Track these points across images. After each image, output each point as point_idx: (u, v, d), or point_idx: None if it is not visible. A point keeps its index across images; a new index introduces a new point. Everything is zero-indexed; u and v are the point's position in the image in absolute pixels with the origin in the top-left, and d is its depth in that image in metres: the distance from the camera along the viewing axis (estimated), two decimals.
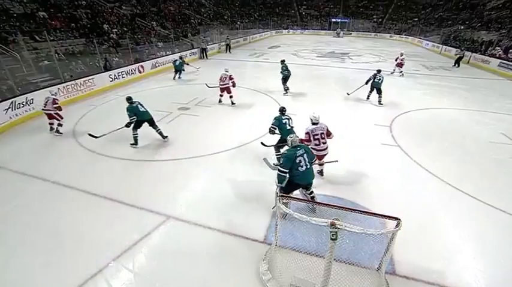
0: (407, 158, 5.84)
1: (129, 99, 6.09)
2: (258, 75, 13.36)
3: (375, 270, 3.19)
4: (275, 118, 5.23)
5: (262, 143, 5.49)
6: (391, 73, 13.79)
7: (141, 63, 12.87)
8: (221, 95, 9.11)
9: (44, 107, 6.72)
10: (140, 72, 12.70)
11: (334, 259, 2.71)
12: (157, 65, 13.89)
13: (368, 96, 9.68)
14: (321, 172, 5.13)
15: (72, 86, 9.47)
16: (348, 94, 10.18)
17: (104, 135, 6.02)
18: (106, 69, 11.33)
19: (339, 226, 2.47)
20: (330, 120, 6.16)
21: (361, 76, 13.61)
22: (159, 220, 4.04)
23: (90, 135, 5.91)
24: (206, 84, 9.96)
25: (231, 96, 8.98)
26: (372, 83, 9.32)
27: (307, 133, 4.81)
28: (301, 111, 8.15)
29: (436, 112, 8.79)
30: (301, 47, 24.55)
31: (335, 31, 35.96)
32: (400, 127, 7.39)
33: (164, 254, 3.51)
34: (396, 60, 13.71)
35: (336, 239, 2.52)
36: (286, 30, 37.68)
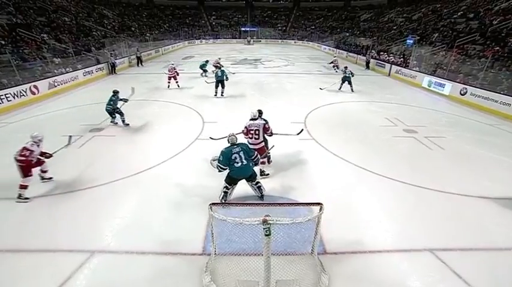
0: (321, 149, 6.66)
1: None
2: (174, 88, 12.97)
3: (309, 254, 3.52)
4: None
5: (211, 138, 5.71)
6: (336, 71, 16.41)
7: (33, 83, 10.70)
8: (169, 83, 12.57)
9: None
10: (34, 93, 10.57)
11: (272, 254, 2.89)
12: (56, 84, 11.84)
13: (340, 87, 12.49)
14: (268, 159, 5.60)
15: None
16: (321, 89, 12.51)
17: None
18: None
19: (270, 222, 2.65)
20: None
21: (274, 79, 14.93)
22: (81, 258, 3.51)
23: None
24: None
25: (176, 82, 12.59)
26: (342, 78, 12.31)
27: (244, 127, 5.28)
28: (222, 119, 8.46)
29: (338, 106, 10.32)
30: (215, 55, 24.92)
31: (246, 39, 37.98)
32: (312, 122, 8.37)
33: None
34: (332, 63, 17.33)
35: (269, 234, 2.68)
36: (199, 40, 37.80)
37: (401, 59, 17.10)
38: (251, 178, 4.55)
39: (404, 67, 15.92)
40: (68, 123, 8.22)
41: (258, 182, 4.63)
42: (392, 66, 16.68)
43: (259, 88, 13.03)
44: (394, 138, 7.45)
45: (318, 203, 3.15)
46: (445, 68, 13.58)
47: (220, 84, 11.00)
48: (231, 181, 4.50)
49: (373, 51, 20.47)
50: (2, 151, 6.43)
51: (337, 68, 16.96)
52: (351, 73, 12.26)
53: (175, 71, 12.61)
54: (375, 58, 19.13)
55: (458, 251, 3.74)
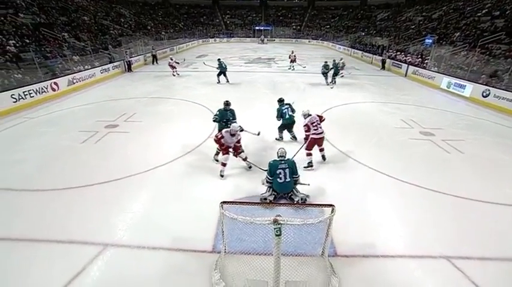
0: (335, 150, 6.55)
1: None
2: (188, 85, 13.16)
3: (319, 256, 3.47)
4: (277, 109, 6.71)
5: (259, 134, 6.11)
6: (342, 76, 15.28)
7: (54, 80, 11.15)
8: (172, 73, 15.10)
9: None
10: (54, 90, 11.01)
11: (282, 254, 2.85)
12: (75, 81, 12.26)
13: (333, 81, 13.31)
14: (323, 157, 5.94)
15: None
16: (331, 88, 12.92)
17: None
18: None
19: (281, 222, 2.63)
20: (261, 122, 6.51)
21: (287, 79, 14.83)
22: (95, 250, 3.61)
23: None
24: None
25: (175, 71, 14.99)
26: (334, 71, 13.23)
27: (305, 125, 5.69)
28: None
29: (352, 106, 10.12)
30: (229, 54, 25.12)
31: (259, 38, 37.90)
32: (326, 123, 8.20)
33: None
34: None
35: (280, 234, 2.66)
36: (213, 39, 38.07)
37: (419, 59, 16.59)
38: (287, 194, 4.67)
39: (422, 68, 15.45)
40: (85, 119, 8.48)
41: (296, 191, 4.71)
42: (409, 66, 16.21)
43: (272, 87, 12.98)
44: (410, 140, 7.24)
45: (330, 205, 3.10)
46: (466, 68, 13.05)
47: (223, 74, 13.38)
48: (274, 192, 4.64)
49: (390, 50, 19.92)
50: (24, 145, 6.74)
51: (342, 69, 15.94)
52: (343, 65, 14.05)
53: (174, 62, 15.13)
54: (392, 58, 18.63)
55: (476, 260, 3.58)
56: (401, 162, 6.08)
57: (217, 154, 5.79)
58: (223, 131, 5.24)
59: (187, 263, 3.48)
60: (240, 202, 3.53)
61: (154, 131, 7.65)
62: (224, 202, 3.07)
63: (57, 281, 3.19)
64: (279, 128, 6.92)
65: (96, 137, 7.17)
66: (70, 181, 5.15)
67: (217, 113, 6.23)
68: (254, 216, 2.78)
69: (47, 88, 10.68)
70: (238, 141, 5.37)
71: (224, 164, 5.35)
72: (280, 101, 6.82)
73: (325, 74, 13.30)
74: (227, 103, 6.32)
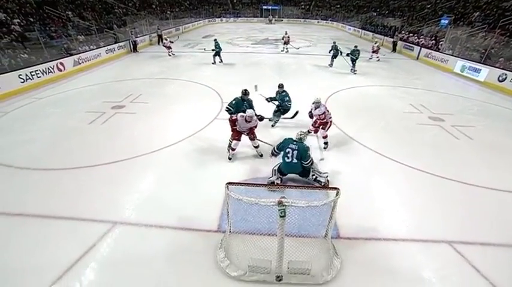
0: (340, 133, 6.48)
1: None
2: (194, 66, 12.98)
3: (322, 238, 3.52)
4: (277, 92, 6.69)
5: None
6: (369, 59, 15.03)
7: (60, 60, 11.09)
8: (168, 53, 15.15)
9: None
10: (60, 70, 11.00)
11: (286, 235, 2.92)
12: (80, 61, 12.20)
13: (331, 64, 13.07)
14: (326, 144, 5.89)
15: None
16: (354, 72, 12.09)
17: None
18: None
19: (286, 203, 2.66)
20: (269, 105, 6.44)
21: (295, 61, 14.49)
22: (105, 228, 3.73)
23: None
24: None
25: (170, 51, 15.11)
26: (333, 53, 12.88)
27: (323, 113, 5.60)
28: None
29: (360, 90, 9.90)
30: (236, 35, 24.50)
31: (267, 18, 36.71)
32: (332, 106, 8.07)
33: (115, 263, 3.28)
34: (373, 48, 15.20)
35: (284, 216, 2.70)
36: (219, 19, 37.02)
37: (433, 41, 15.91)
38: (303, 175, 4.63)
39: (435, 50, 14.84)
40: (92, 100, 8.51)
41: (313, 175, 4.64)
42: (422, 49, 15.59)
43: (278, 69, 12.72)
44: (418, 125, 7.10)
45: (335, 188, 3.11)
46: (483, 51, 12.46)
47: (218, 55, 13.29)
48: (280, 172, 4.65)
49: (402, 32, 19.11)
50: (33, 125, 6.84)
51: (376, 53, 15.31)
52: (378, 48, 14.35)
53: (169, 42, 15.11)
54: (404, 40, 17.91)
55: (478, 246, 3.60)
56: (408, 147, 6.00)
57: (230, 145, 5.44)
58: (239, 115, 5.06)
59: (193, 241, 3.58)
60: (245, 183, 3.54)
61: (161, 112, 7.65)
62: (229, 183, 3.10)
63: (70, 256, 3.32)
64: (276, 113, 6.73)
65: (103, 117, 7.22)
66: (78, 161, 5.25)
67: (233, 101, 5.80)
68: (259, 197, 2.81)
69: (53, 68, 10.67)
70: (252, 129, 5.22)
71: (233, 149, 5.30)
72: (280, 86, 6.65)
73: (335, 56, 12.95)
74: (245, 92, 5.85)
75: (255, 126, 5.26)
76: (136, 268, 3.22)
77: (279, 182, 4.60)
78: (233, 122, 5.12)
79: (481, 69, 11.30)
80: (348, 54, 12.22)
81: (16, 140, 6.08)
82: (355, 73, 11.97)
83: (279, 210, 2.68)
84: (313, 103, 5.72)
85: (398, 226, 3.90)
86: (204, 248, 3.46)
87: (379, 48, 15.03)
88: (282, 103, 6.50)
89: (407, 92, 9.84)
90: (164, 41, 15.38)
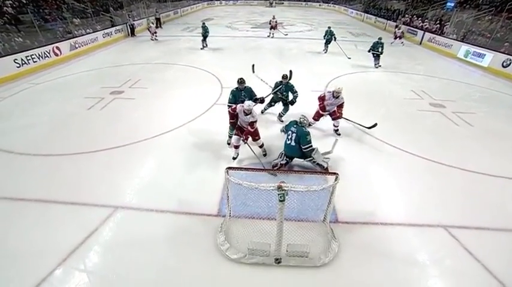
0: (342, 120, 6.43)
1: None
2: (193, 51, 12.74)
3: (321, 222, 3.58)
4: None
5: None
6: (391, 44, 14.66)
7: (56, 44, 10.85)
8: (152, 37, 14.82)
9: None
10: (57, 55, 10.79)
11: (285, 219, 2.97)
12: (77, 45, 11.95)
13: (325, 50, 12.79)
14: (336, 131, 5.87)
15: None
16: (376, 66, 10.78)
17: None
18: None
19: (285, 188, 2.68)
20: (268, 90, 6.36)
21: (296, 45, 14.22)
22: (106, 212, 3.78)
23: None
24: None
25: (153, 35, 14.79)
26: (327, 39, 12.46)
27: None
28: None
29: (361, 75, 9.78)
30: (235, 18, 23.93)
31: (268, 1, 35.67)
32: (330, 88, 7.98)
33: (117, 246, 3.35)
34: (395, 33, 14.99)
35: (283, 200, 2.74)
36: (218, 1, 35.99)
37: (437, 25, 15.54)
38: (302, 157, 4.61)
39: (439, 34, 14.52)
40: (90, 85, 8.41)
41: (311, 159, 4.58)
42: (425, 33, 15.25)
43: (279, 54, 12.51)
44: (419, 112, 7.06)
45: (334, 173, 3.15)
46: (488, 35, 12.18)
47: (205, 39, 12.98)
48: (286, 155, 4.62)
49: (406, 15, 18.62)
50: (31, 111, 6.80)
51: (400, 39, 14.91)
52: (402, 34, 14.04)
53: (154, 27, 15.01)
54: (407, 24, 17.49)
55: (473, 230, 3.66)
56: (408, 133, 6.00)
57: (230, 137, 5.22)
58: (239, 105, 4.60)
59: (193, 225, 3.64)
60: (245, 168, 3.58)
61: (160, 97, 7.59)
62: (229, 168, 3.11)
63: (73, 239, 3.38)
64: (285, 106, 6.24)
65: (102, 103, 7.16)
66: (78, 147, 5.25)
67: (230, 96, 5.32)
68: (259, 182, 2.83)
69: (49, 53, 10.47)
70: (252, 125, 4.63)
71: (236, 147, 4.90)
72: (285, 77, 5.93)
73: (328, 41, 12.54)
74: (241, 81, 5.26)
75: (255, 122, 4.68)
76: (138, 251, 3.29)
77: (284, 163, 4.58)
78: (232, 114, 4.67)
79: (485, 55, 11.11)
80: (370, 50, 10.61)
81: (15, 125, 6.06)
82: (377, 67, 10.65)
83: (278, 194, 2.71)
84: (329, 92, 5.54)
85: (395, 211, 3.96)
86: (204, 231, 3.52)
87: (403, 33, 14.66)
88: (287, 96, 6.03)
89: (409, 78, 9.73)
90: (151, 24, 15.05)
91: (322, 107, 5.69)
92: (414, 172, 4.80)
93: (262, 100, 5.36)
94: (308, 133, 4.40)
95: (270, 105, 6.38)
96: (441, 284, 3.04)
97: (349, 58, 11.66)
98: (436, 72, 10.53)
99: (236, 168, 3.50)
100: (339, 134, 5.81)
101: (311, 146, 4.45)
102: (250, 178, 3.05)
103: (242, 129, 4.77)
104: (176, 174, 4.59)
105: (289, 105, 6.14)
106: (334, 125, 5.86)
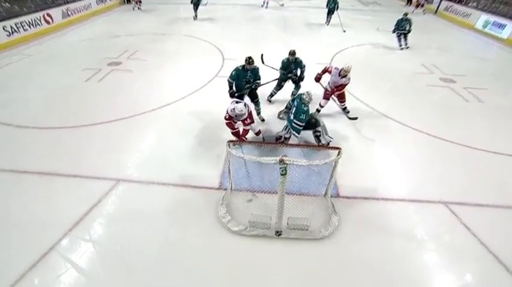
0: (346, 94, 6.24)
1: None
2: (193, 21, 12.13)
3: (322, 196, 3.60)
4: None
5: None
6: (412, 12, 13.70)
7: (47, 11, 10.25)
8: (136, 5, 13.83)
9: None
10: (48, 23, 10.27)
11: (286, 193, 2.96)
12: (69, 13, 11.35)
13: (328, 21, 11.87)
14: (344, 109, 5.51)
15: None
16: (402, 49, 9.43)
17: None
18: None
19: (287, 162, 2.64)
20: (273, 62, 6.09)
21: (300, 15, 13.51)
22: (109, 185, 3.79)
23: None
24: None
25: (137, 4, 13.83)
26: (329, 9, 11.44)
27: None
28: (242, 57, 7.74)
29: (369, 48, 9.36)
30: None
31: None
32: (339, 64, 7.68)
33: (120, 217, 3.40)
34: (417, 1, 14.32)
35: (285, 174, 2.70)
36: None
37: None
38: (309, 128, 4.44)
39: (458, 2, 13.48)
40: (86, 56, 8.13)
41: (315, 131, 4.45)
42: (442, 1, 14.23)
43: (282, 25, 11.92)
44: (427, 87, 6.83)
45: (337, 148, 3.10)
46: None
47: (195, 7, 11.81)
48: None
49: None
50: (26, 83, 6.61)
51: (422, 7, 14.00)
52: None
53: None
54: None
55: (473, 207, 3.66)
56: (414, 109, 5.84)
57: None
58: (229, 109, 3.93)
59: (194, 198, 3.66)
60: (247, 141, 3.51)
61: (159, 69, 7.35)
62: (231, 141, 3.06)
63: (78, 210, 3.41)
64: (297, 84, 5.65)
65: (100, 75, 6.95)
66: (77, 119, 5.16)
67: (233, 72, 4.64)
68: (261, 155, 2.79)
69: (40, 20, 9.94)
70: (245, 121, 4.14)
71: (258, 132, 4.49)
72: (292, 53, 5.27)
73: (331, 11, 11.52)
74: (249, 61, 4.56)
75: (247, 115, 4.11)
76: (140, 223, 3.33)
77: (287, 137, 4.48)
78: (231, 125, 4.12)
79: (505, 25, 10.40)
80: (394, 30, 9.22)
81: (12, 97, 5.92)
82: (403, 48, 9.36)
83: (280, 168, 2.68)
84: (337, 68, 4.97)
85: (397, 187, 3.94)
86: (205, 204, 3.54)
87: (426, 0, 13.73)
88: (297, 74, 5.47)
89: (420, 51, 9.26)
90: None
91: (318, 78, 5.27)
92: (418, 148, 4.73)
93: (256, 87, 4.87)
94: (304, 111, 4.08)
95: (279, 87, 5.66)
96: (438, 258, 3.09)
97: (344, 31, 10.86)
98: (450, 44, 10.04)
99: (238, 141, 3.43)
100: (356, 118, 5.38)
101: (300, 125, 4.14)
102: (252, 152, 3.00)
103: (238, 133, 4.32)
104: (177, 147, 4.54)
105: (300, 82, 5.59)
106: (320, 105, 5.35)
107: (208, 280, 2.78)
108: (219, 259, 2.96)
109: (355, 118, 5.38)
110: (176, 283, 2.76)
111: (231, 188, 3.57)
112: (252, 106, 4.84)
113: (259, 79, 4.86)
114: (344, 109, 5.52)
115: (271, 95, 5.80)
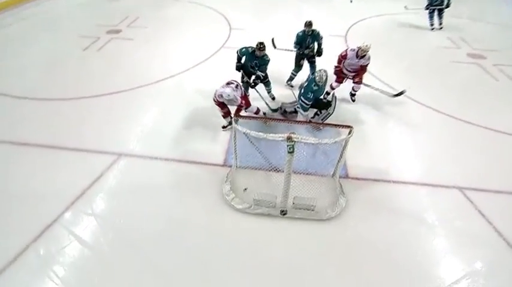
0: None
1: None
2: None
3: (330, 176, 3.46)
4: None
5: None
6: None
7: None
8: None
9: None
10: None
11: (293, 171, 2.83)
12: None
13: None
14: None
15: None
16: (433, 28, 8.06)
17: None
18: None
19: (295, 139, 2.48)
20: (285, 33, 5.62)
21: None
22: (110, 159, 3.69)
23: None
24: None
25: None
26: None
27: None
28: (250, 26, 7.45)
29: (389, 18, 8.65)
30: None
31: None
32: (355, 37, 7.17)
33: (123, 192, 3.34)
34: None
35: (292, 152, 2.56)
36: None
37: None
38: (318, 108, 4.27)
39: None
40: (83, 22, 7.76)
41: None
42: None
43: None
44: (452, 63, 6.31)
45: (348, 126, 2.91)
46: None
47: None
48: None
49: None
50: (24, 51, 6.36)
51: None
52: None
53: None
54: None
55: (490, 193, 3.45)
56: (434, 87, 5.44)
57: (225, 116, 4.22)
58: (217, 93, 3.71)
59: (198, 174, 3.56)
60: (254, 117, 3.32)
61: (162, 39, 6.99)
62: (237, 116, 2.87)
63: (80, 184, 3.34)
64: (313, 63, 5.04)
65: (99, 43, 6.65)
66: (77, 91, 4.97)
67: (243, 49, 4.24)
68: (267, 132, 2.62)
69: None
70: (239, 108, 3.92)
71: (257, 112, 4.20)
72: (308, 25, 4.64)
73: None
74: (260, 47, 4.08)
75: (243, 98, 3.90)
76: (143, 198, 3.27)
77: (290, 111, 4.29)
78: (221, 103, 3.90)
79: None
80: (427, 6, 7.72)
81: (8, 67, 5.72)
82: (433, 29, 7.97)
83: (287, 145, 2.53)
84: (353, 50, 4.39)
85: (410, 170, 3.74)
86: (209, 181, 3.44)
87: None
88: (318, 47, 4.87)
89: (447, 21, 8.17)
90: None
91: (339, 71, 4.65)
92: (434, 130, 4.44)
93: (255, 84, 4.49)
94: (313, 91, 3.81)
95: (298, 67, 5.03)
96: (448, 244, 2.97)
97: (351, 1, 9.98)
98: (482, 14, 9.10)
99: (245, 116, 3.24)
100: (354, 100, 4.94)
101: (307, 103, 3.91)
102: (258, 128, 2.82)
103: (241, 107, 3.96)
104: (180, 122, 4.38)
105: (316, 58, 4.99)
106: (353, 89, 4.84)
107: (211, 256, 2.74)
108: (222, 236, 2.91)
109: (400, 93, 4.65)
110: (177, 258, 2.73)
111: (237, 166, 3.44)
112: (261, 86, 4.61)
113: (263, 72, 4.40)
114: (353, 95, 4.94)
115: (291, 79, 5.21)
